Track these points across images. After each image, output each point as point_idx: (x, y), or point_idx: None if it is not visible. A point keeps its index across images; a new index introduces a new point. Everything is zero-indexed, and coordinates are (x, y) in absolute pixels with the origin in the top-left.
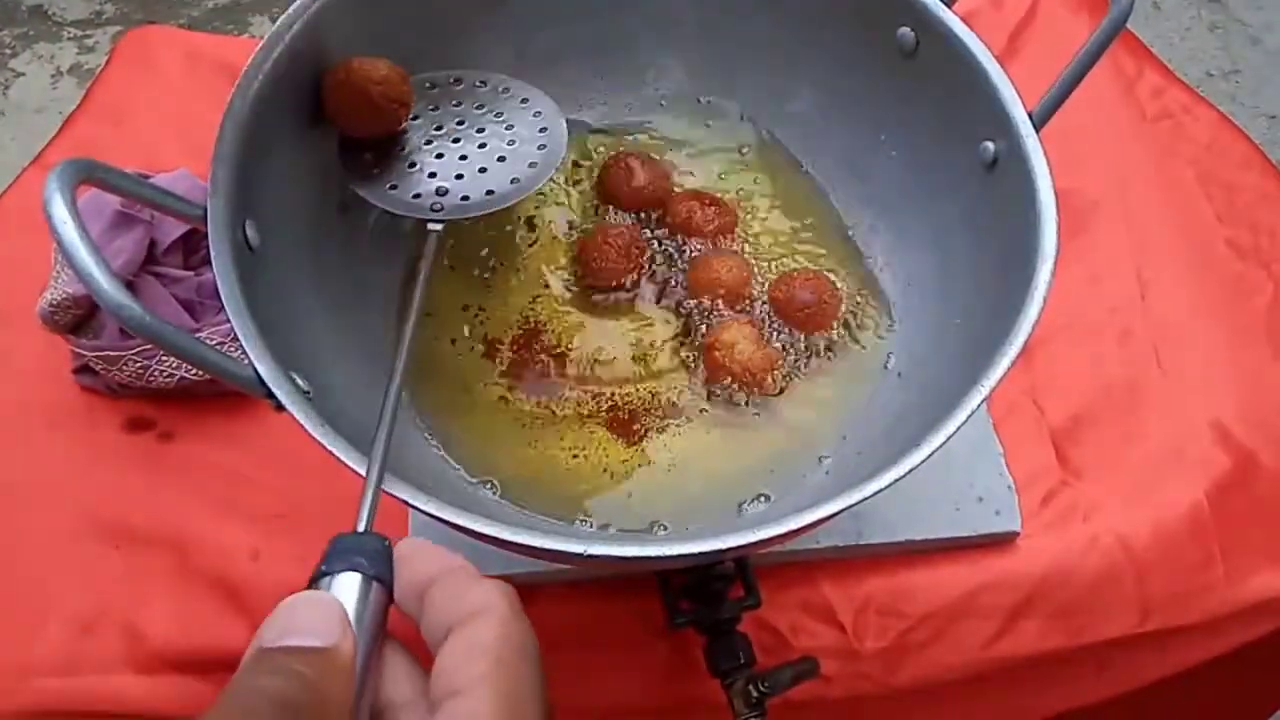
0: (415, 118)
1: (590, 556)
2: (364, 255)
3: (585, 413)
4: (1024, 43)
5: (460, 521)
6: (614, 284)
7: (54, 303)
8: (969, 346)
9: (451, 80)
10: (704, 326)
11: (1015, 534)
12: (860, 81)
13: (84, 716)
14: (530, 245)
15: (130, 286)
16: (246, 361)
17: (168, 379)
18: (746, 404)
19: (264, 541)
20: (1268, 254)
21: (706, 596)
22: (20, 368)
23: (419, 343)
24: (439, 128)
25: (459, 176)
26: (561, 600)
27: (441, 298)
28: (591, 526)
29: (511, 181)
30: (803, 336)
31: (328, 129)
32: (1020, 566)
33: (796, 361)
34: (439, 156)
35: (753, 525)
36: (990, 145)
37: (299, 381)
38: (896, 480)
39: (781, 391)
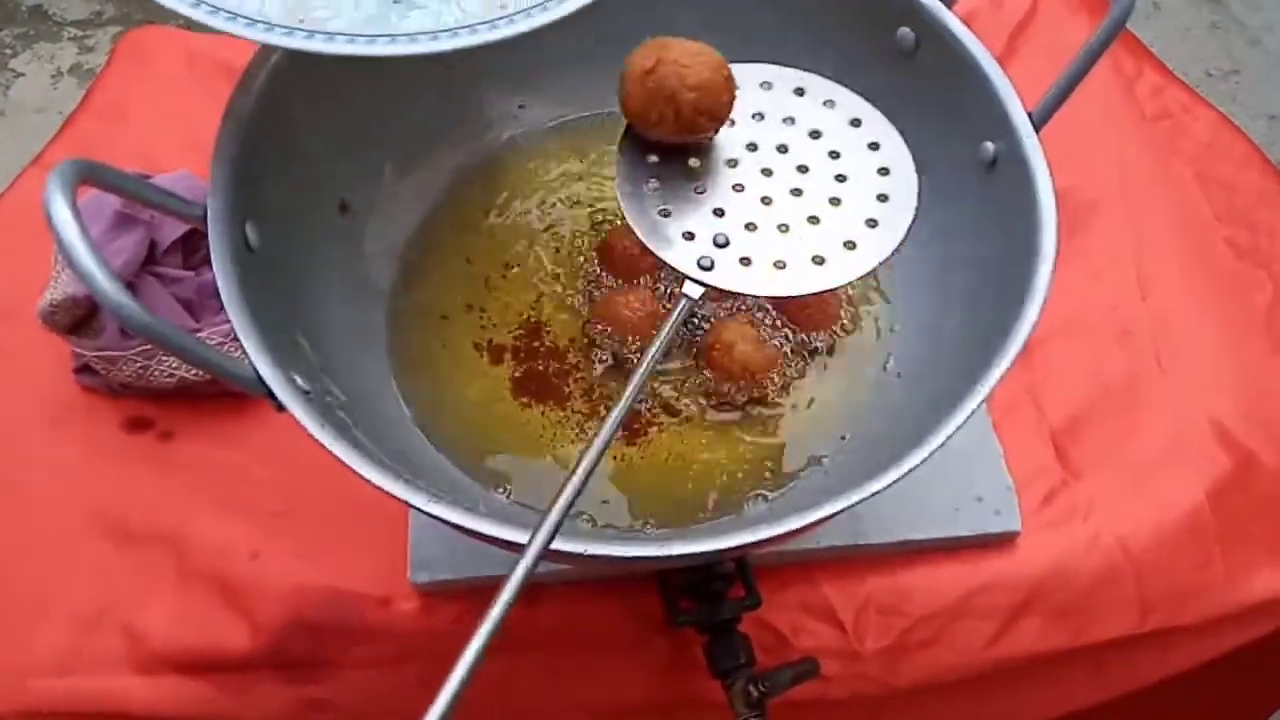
0: (731, 122)
1: (590, 556)
2: (364, 254)
3: (586, 412)
4: (1024, 43)
5: (461, 522)
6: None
7: (54, 303)
8: (968, 346)
9: (795, 89)
10: (704, 327)
11: (1015, 534)
12: (860, 81)
13: (84, 716)
14: (532, 245)
15: (130, 287)
16: (247, 361)
17: (168, 379)
18: (746, 404)
19: (264, 541)
20: (1267, 253)
21: (706, 596)
22: (21, 367)
23: (420, 345)
24: (753, 146)
25: (750, 227)
26: (562, 600)
27: (445, 298)
28: (592, 525)
29: (814, 260)
30: (803, 336)
31: (327, 131)
32: (1020, 566)
33: (796, 361)
34: (737, 188)
35: (753, 525)
36: (990, 145)
37: (299, 381)
38: (896, 480)
39: (781, 391)
